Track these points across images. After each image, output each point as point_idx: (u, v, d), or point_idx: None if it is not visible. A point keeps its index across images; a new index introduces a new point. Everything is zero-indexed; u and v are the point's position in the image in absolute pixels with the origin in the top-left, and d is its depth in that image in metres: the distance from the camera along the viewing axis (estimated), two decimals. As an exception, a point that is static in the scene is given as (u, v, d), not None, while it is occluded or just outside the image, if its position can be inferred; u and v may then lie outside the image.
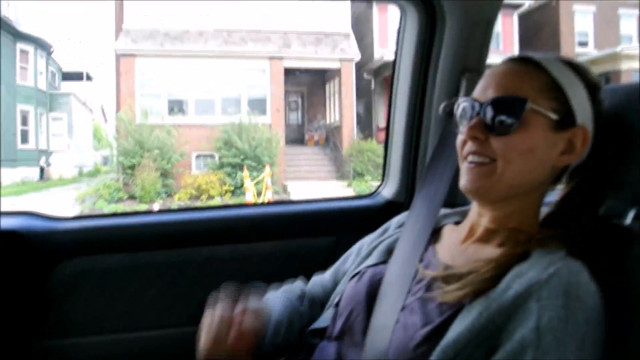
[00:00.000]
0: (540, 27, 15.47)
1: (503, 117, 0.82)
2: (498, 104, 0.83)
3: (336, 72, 14.66)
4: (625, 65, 13.82)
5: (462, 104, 0.89)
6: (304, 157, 14.76)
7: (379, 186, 1.48)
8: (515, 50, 13.57)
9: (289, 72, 14.38)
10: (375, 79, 15.25)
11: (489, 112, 0.83)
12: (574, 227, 0.83)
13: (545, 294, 0.70)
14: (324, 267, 1.28)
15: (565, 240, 0.80)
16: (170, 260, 1.30)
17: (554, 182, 0.88)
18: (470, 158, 0.85)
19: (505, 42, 14.67)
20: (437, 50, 1.23)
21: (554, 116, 0.81)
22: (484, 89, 0.87)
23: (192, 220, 1.36)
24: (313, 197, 1.63)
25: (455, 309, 0.77)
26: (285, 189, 12.46)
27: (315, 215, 1.41)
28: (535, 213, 0.88)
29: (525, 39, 15.05)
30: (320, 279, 1.15)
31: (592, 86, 0.86)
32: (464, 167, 0.86)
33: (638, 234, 0.80)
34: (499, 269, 0.77)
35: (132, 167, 11.82)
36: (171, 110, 13.43)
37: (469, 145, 0.85)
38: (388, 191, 1.43)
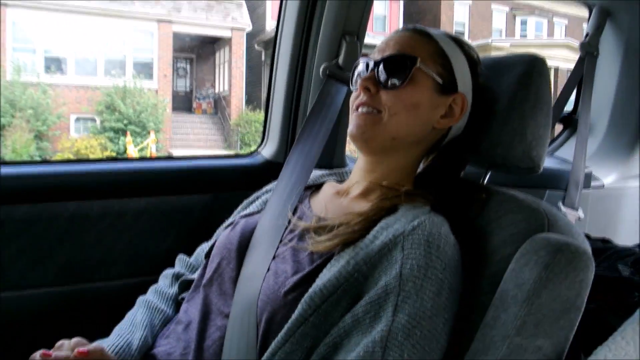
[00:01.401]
0: (423, 14, 16.37)
1: (393, 72, 0.89)
2: (390, 61, 0.90)
3: (227, 41, 14.28)
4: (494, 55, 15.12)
5: (359, 62, 0.96)
6: (190, 125, 14.31)
7: (259, 146, 1.49)
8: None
9: (178, 37, 13.76)
10: (265, 50, 15.08)
11: (382, 68, 0.90)
12: (439, 186, 0.92)
13: (408, 244, 0.76)
14: (198, 224, 1.26)
15: (430, 197, 0.88)
16: (33, 216, 1.20)
17: (434, 145, 0.96)
18: (360, 109, 0.91)
19: (391, 25, 15.28)
20: (319, 14, 1.26)
21: (439, 80, 0.89)
22: (380, 51, 0.94)
23: (57, 173, 1.25)
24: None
25: (324, 258, 0.81)
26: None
27: (192, 173, 1.37)
28: (411, 172, 0.95)
29: (409, 23, 15.89)
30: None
31: (473, 61, 0.95)
32: (354, 116, 0.93)
33: (491, 193, 0.90)
34: (368, 222, 0.83)
35: (1, 128, 10.71)
36: (48, 69, 12.24)
37: (360, 97, 0.91)
38: (267, 151, 1.44)
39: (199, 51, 16.08)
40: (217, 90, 15.87)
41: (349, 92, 1.10)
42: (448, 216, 0.84)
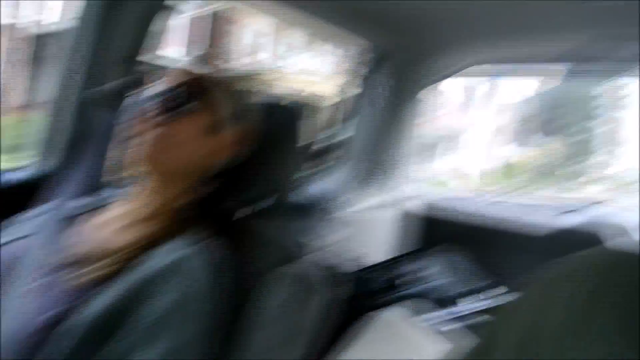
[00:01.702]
0: (216, 32, 16.93)
1: (168, 108, 0.95)
2: (165, 96, 0.96)
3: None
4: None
5: (134, 96, 1.01)
6: None
7: (31, 161, 1.43)
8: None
9: None
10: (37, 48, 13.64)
11: (157, 102, 0.96)
12: (208, 216, 1.00)
13: (170, 274, 0.82)
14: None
15: (199, 227, 0.95)
16: None
17: (205, 180, 1.03)
18: (133, 140, 0.95)
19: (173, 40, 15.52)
20: (99, 39, 1.26)
21: (208, 120, 0.97)
22: (157, 86, 0.99)
23: None
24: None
25: (87, 290, 0.82)
26: None
27: None
28: (183, 202, 1.01)
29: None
30: None
31: (244, 105, 1.05)
32: (132, 144, 0.96)
33: (250, 227, 1.01)
34: (134, 254, 0.87)
35: None
36: None
37: (138, 128, 0.96)
38: (39, 167, 1.40)
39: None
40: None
41: (124, 118, 1.13)
42: (212, 248, 0.92)
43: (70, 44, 1.29)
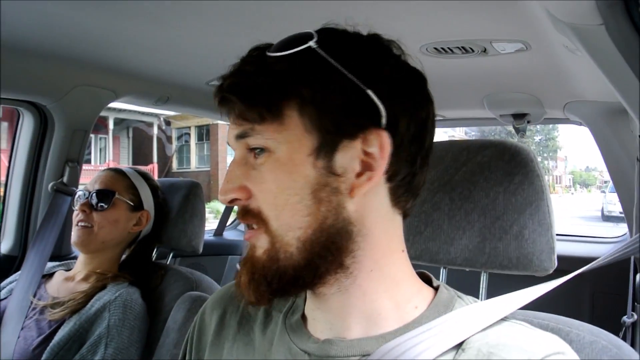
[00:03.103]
0: (142, 141, 18.09)
1: (101, 200, 1.41)
2: (99, 193, 1.42)
3: None
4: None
5: (79, 192, 1.45)
6: None
7: None
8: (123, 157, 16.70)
9: None
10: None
11: (94, 197, 1.41)
12: (135, 267, 1.48)
13: (113, 307, 1.29)
14: None
15: (128, 276, 1.42)
16: None
17: (131, 243, 1.50)
18: (79, 224, 1.40)
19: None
20: (47, 144, 1.71)
21: (130, 203, 1.45)
22: (92, 183, 1.45)
23: None
24: None
25: (59, 323, 1.28)
26: None
27: None
28: (117, 260, 1.47)
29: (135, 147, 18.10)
30: None
31: (154, 187, 1.54)
32: (75, 229, 1.40)
33: (167, 269, 1.50)
34: (87, 297, 1.33)
35: None
36: None
37: (79, 216, 1.40)
38: (4, 247, 1.78)
39: None
40: None
41: (72, 201, 1.61)
42: (140, 286, 1.41)
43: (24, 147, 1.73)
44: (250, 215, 0.60)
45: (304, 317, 0.66)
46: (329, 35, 0.60)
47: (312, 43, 0.57)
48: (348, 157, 0.57)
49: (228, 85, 0.59)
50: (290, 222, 0.58)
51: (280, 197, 0.58)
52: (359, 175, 0.58)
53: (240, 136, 0.59)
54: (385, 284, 0.61)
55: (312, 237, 0.57)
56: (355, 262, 0.60)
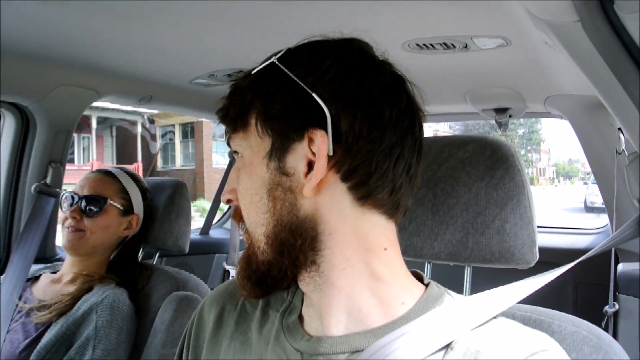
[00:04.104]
0: (126, 140, 17.99)
1: (92, 207, 1.40)
2: (90, 198, 1.41)
3: None
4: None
5: (66, 194, 1.44)
6: None
7: None
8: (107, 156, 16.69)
9: None
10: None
11: (84, 203, 1.40)
12: (122, 268, 1.47)
13: (100, 308, 1.29)
14: None
15: (115, 277, 1.42)
16: None
17: (119, 245, 1.50)
18: (69, 229, 1.39)
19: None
20: (30, 145, 1.69)
21: (121, 207, 1.45)
22: (81, 187, 1.43)
23: None
24: None
25: (46, 325, 1.28)
26: None
27: None
28: (105, 262, 1.47)
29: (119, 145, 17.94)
30: None
31: (143, 189, 1.53)
32: (65, 233, 1.39)
33: (154, 269, 1.49)
34: (74, 299, 1.33)
35: None
36: None
37: (69, 221, 1.39)
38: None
39: None
40: None
41: (56, 202, 1.59)
42: (127, 287, 1.40)
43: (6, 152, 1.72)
44: (239, 215, 0.68)
45: (301, 317, 0.68)
46: (297, 48, 0.66)
47: (274, 58, 0.64)
48: (297, 157, 0.61)
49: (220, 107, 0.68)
50: (255, 219, 0.64)
51: (247, 197, 0.65)
52: (306, 174, 0.60)
53: (228, 142, 0.68)
54: (362, 280, 0.62)
55: (273, 233, 0.62)
56: (324, 261, 0.62)
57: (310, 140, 0.60)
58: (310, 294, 0.65)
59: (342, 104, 0.59)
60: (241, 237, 0.68)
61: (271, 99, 0.61)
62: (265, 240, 0.63)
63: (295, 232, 0.61)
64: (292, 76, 0.60)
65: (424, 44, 1.28)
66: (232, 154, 0.68)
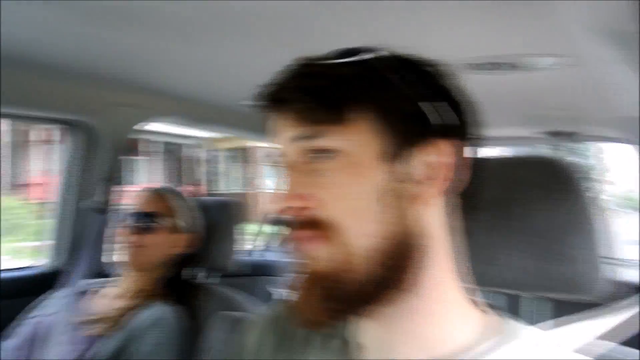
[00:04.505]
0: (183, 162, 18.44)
1: (151, 223, 1.45)
2: (150, 215, 1.46)
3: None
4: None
5: (129, 211, 1.48)
6: None
7: (43, 259, 1.85)
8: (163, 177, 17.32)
9: None
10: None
11: (144, 219, 1.45)
12: (177, 288, 1.49)
13: (151, 325, 1.31)
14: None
15: (170, 296, 1.43)
16: None
17: (172, 263, 1.50)
18: (130, 244, 1.42)
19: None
20: (87, 163, 1.76)
21: (175, 226, 1.48)
22: (142, 204, 1.47)
23: None
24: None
25: (98, 339, 1.31)
26: None
27: None
28: (159, 280, 1.47)
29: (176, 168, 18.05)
30: None
31: (196, 209, 1.55)
32: (125, 248, 1.42)
33: (206, 290, 1.50)
34: (127, 314, 1.35)
35: None
36: None
37: (131, 237, 1.42)
38: (48, 263, 1.83)
39: None
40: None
41: (110, 219, 1.64)
42: (178, 305, 1.41)
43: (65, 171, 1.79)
44: (314, 225, 0.56)
45: (354, 343, 0.62)
46: (388, 51, 0.60)
47: (383, 52, 0.58)
48: (414, 164, 0.56)
49: (295, 85, 0.57)
50: (357, 230, 0.55)
51: (350, 203, 0.55)
52: (426, 181, 0.56)
53: (303, 138, 0.56)
54: (444, 305, 0.58)
55: (380, 247, 0.54)
56: (419, 281, 0.56)
57: (431, 149, 0.56)
58: (389, 317, 0.58)
59: (462, 118, 0.59)
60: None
61: (395, 97, 0.56)
62: (367, 255, 0.54)
63: (402, 246, 0.55)
64: (415, 80, 0.57)
65: (477, 64, 1.24)
66: (294, 148, 0.57)
